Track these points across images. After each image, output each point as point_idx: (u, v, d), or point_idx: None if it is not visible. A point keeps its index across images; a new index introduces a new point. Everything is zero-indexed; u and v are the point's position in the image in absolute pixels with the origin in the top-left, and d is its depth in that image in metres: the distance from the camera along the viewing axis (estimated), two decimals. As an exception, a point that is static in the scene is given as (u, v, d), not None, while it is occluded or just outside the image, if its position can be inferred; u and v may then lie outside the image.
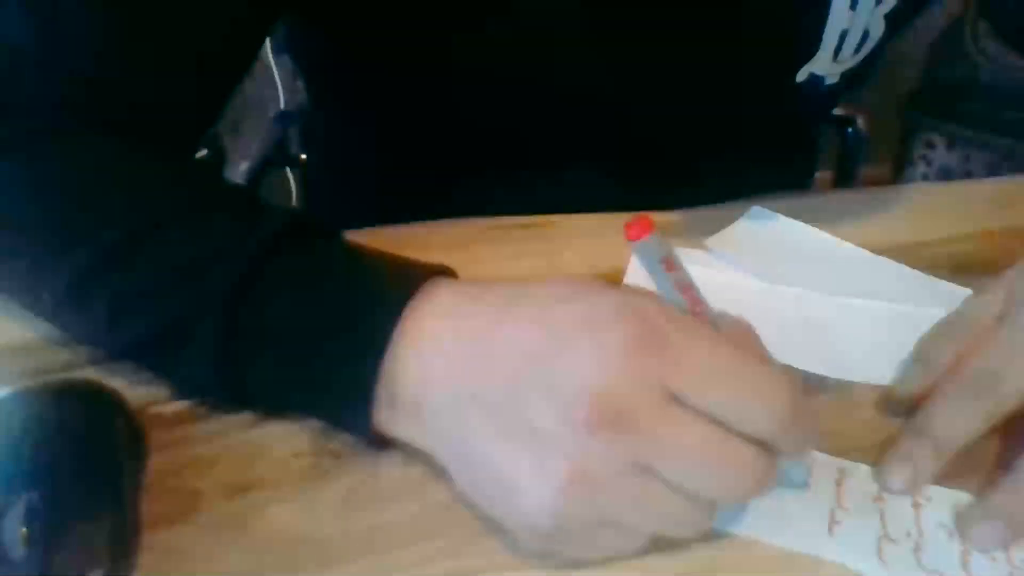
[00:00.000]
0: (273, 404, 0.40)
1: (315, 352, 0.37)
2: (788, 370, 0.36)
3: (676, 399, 0.32)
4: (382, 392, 0.36)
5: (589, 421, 0.31)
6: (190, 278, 0.38)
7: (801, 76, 0.55)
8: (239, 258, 0.38)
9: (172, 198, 0.42)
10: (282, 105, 1.21)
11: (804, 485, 0.38)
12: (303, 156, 1.02)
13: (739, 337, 0.36)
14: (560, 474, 0.32)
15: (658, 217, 0.55)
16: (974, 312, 0.43)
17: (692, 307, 0.35)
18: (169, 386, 0.42)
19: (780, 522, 0.37)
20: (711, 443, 0.32)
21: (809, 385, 0.44)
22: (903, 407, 0.41)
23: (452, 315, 0.36)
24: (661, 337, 0.33)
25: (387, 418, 0.37)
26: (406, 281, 0.37)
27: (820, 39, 0.53)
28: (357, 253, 0.40)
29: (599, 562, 0.35)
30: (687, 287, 0.35)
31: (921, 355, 0.43)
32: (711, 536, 0.36)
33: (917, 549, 0.36)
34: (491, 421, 0.34)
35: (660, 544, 0.35)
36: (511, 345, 0.34)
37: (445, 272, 0.39)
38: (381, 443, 0.38)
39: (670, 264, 0.35)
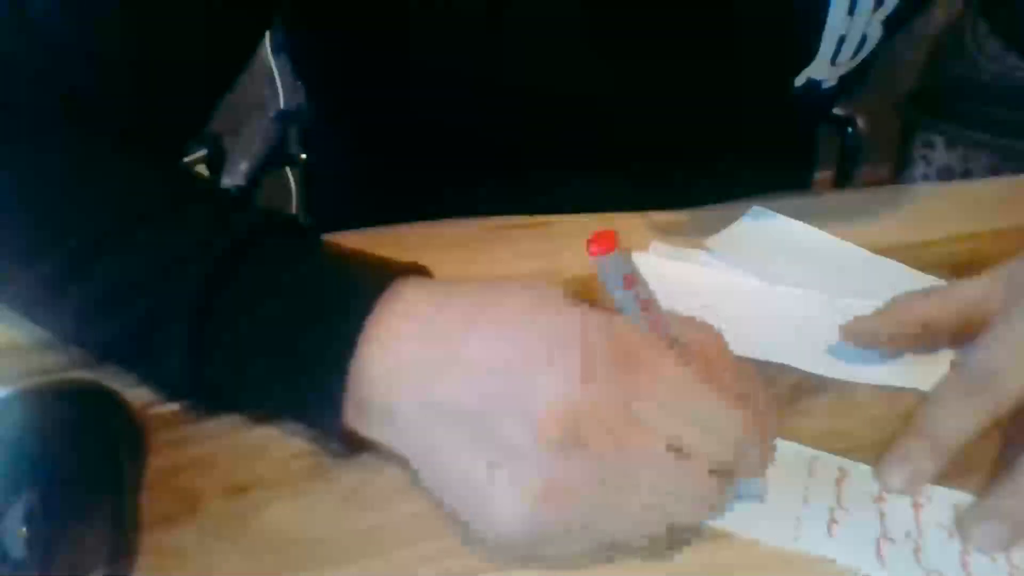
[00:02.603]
0: (244, 406, 0.40)
1: (282, 354, 0.37)
2: (750, 388, 0.37)
3: (638, 420, 0.33)
4: (350, 395, 0.36)
5: (561, 439, 0.32)
6: (159, 279, 0.38)
7: (799, 81, 0.55)
8: (207, 260, 0.38)
9: (147, 198, 0.42)
10: (282, 105, 1.21)
11: (762, 499, 0.38)
12: (303, 156, 1.02)
13: (704, 347, 0.36)
14: (533, 489, 0.32)
15: (658, 217, 0.55)
16: (957, 288, 0.44)
17: (652, 325, 0.35)
18: (144, 384, 0.41)
19: (780, 522, 0.37)
20: (666, 471, 0.33)
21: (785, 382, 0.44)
22: (859, 341, 0.44)
23: (419, 319, 0.36)
24: (625, 357, 0.34)
25: (356, 420, 0.37)
26: (374, 281, 0.37)
27: (818, 45, 0.53)
28: (326, 252, 0.40)
29: (597, 562, 0.35)
30: (648, 303, 0.35)
31: (886, 303, 0.44)
32: (710, 536, 0.36)
33: (917, 549, 0.36)
34: (460, 435, 0.34)
35: (660, 543, 0.35)
36: (479, 360, 0.34)
37: (417, 271, 0.39)
38: (354, 444, 0.38)
39: (631, 280, 0.34)
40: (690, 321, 0.37)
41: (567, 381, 0.33)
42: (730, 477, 0.35)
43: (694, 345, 0.36)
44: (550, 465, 0.32)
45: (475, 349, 0.35)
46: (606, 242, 0.33)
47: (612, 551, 0.35)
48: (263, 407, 0.40)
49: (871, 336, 0.44)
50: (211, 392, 0.39)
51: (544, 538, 0.33)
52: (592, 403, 0.33)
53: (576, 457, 0.32)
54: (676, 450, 0.33)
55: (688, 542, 0.36)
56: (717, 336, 0.37)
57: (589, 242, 0.33)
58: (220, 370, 0.38)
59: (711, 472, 0.34)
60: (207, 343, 0.38)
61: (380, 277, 0.37)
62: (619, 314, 0.35)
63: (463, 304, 0.36)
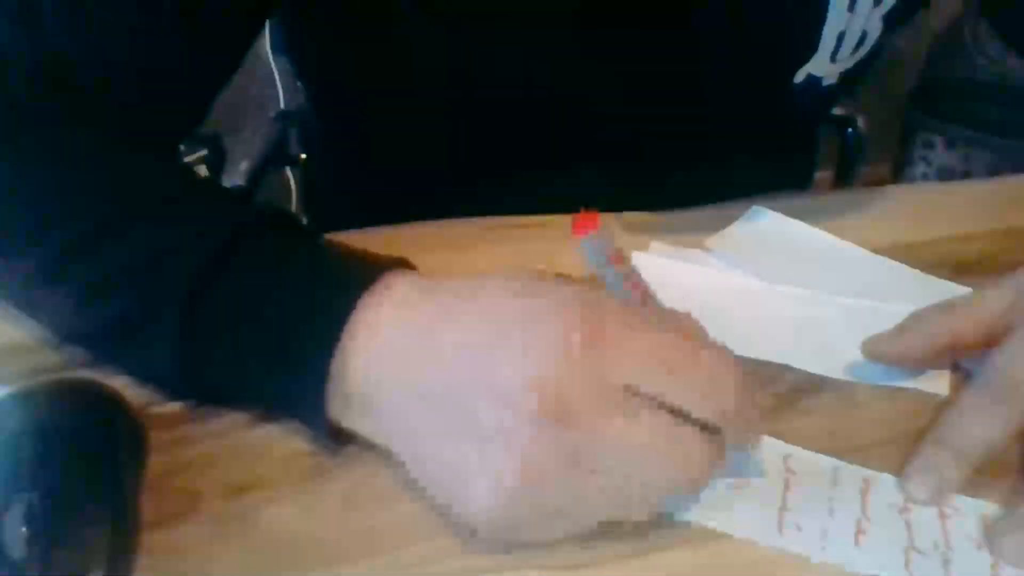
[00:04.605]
0: (231, 398, 0.40)
1: (270, 350, 0.37)
2: (733, 356, 0.36)
3: (624, 389, 0.33)
4: (334, 388, 0.36)
5: (534, 415, 0.32)
6: (152, 271, 0.39)
7: (799, 77, 0.55)
8: (200, 252, 0.38)
9: (141, 192, 0.42)
10: (282, 105, 1.21)
11: (761, 474, 0.38)
12: (303, 156, 1.02)
13: (686, 327, 0.36)
14: (508, 471, 0.32)
15: (658, 217, 0.55)
16: (977, 301, 0.43)
17: (641, 300, 0.35)
18: (131, 377, 0.41)
19: (806, 533, 0.36)
20: (659, 434, 0.33)
21: (806, 383, 0.44)
22: (884, 360, 0.43)
23: (400, 310, 0.36)
24: (604, 328, 0.33)
25: (341, 413, 0.37)
26: (361, 275, 0.37)
27: (818, 40, 0.53)
28: (316, 247, 0.40)
29: (597, 562, 0.35)
30: (635, 281, 0.35)
31: (908, 320, 0.43)
32: (710, 536, 0.36)
33: (946, 560, 0.35)
34: (435, 417, 0.34)
35: (660, 543, 0.35)
36: (449, 340, 0.34)
37: (404, 265, 0.39)
38: (340, 438, 0.38)
39: (618, 258, 0.35)
40: (668, 311, 0.37)
41: (536, 355, 0.32)
42: (718, 442, 0.34)
43: (678, 325, 0.36)
44: (522, 444, 0.32)
45: (446, 330, 0.35)
46: (589, 222, 0.33)
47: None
48: (249, 400, 0.40)
49: (898, 357, 0.43)
50: (197, 382, 0.39)
51: (520, 522, 0.33)
52: (566, 378, 0.32)
53: (550, 436, 0.32)
54: (669, 414, 0.33)
55: (671, 518, 0.36)
56: (697, 322, 0.37)
57: (573, 223, 0.33)
58: (208, 362, 0.38)
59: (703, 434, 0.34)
60: (196, 334, 0.38)
61: (366, 272, 0.37)
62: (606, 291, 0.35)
63: (446, 295, 0.36)
